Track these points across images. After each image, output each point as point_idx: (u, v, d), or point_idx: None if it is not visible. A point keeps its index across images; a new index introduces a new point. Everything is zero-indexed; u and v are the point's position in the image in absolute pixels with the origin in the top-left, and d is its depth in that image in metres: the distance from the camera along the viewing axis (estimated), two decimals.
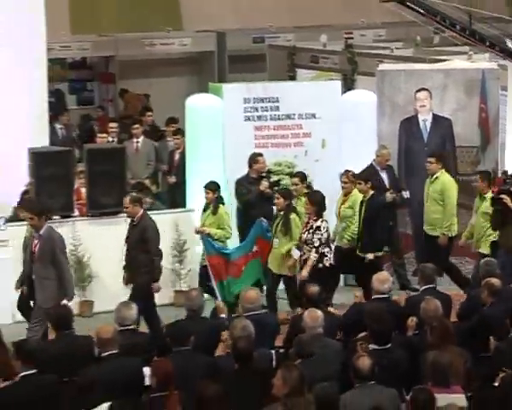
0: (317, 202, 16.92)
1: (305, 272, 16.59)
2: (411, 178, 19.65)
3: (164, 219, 18.39)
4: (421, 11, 23.11)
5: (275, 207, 17.88)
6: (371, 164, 18.89)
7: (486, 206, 17.91)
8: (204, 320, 13.73)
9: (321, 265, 16.73)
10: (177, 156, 20.57)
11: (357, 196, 17.96)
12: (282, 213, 17.30)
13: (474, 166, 19.97)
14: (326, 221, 17.01)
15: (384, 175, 18.97)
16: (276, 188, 18.49)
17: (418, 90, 19.82)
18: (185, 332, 12.26)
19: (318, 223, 16.78)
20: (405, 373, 11.82)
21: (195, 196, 18.66)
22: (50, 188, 18.07)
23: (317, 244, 16.70)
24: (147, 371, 11.80)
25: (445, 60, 21.59)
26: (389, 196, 18.37)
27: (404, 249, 19.63)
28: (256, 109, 19.17)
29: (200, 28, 26.36)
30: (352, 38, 26.20)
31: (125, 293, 16.42)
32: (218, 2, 26.38)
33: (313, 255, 16.63)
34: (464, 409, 10.84)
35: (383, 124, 19.85)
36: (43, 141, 19.50)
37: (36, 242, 15.69)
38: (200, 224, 18.11)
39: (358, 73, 23.63)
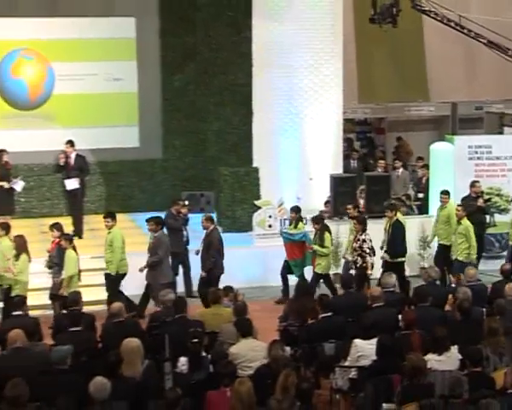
0: (363, 222, 15.91)
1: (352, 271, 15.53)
2: None
3: (414, 221, 18.27)
4: None
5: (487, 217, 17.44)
6: None
7: None
8: (437, 286, 13.45)
9: (364, 265, 15.60)
10: (423, 181, 20.07)
11: None
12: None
13: None
14: (368, 234, 15.71)
15: None
16: (488, 203, 18.11)
17: None
18: (426, 293, 12.06)
19: (364, 236, 15.69)
20: None
21: (434, 208, 18.20)
22: (342, 199, 18.15)
23: (367, 251, 15.62)
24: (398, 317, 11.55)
25: None
26: None
27: None
28: (476, 152, 18.75)
29: (440, 99, 25.85)
30: None
31: None
32: (452, 82, 25.88)
33: (360, 259, 15.63)
34: None
35: None
36: (338, 169, 19.88)
37: None
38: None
39: None
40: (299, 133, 19.73)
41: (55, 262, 14.57)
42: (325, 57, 19.68)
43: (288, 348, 10.84)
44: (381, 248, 16.12)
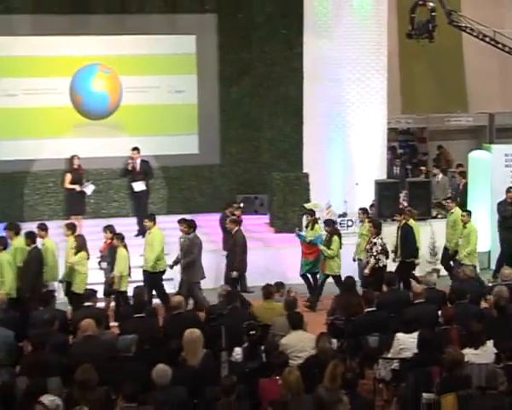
0: (378, 226, 15.58)
1: (366, 271, 15.29)
2: None
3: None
4: None
5: None
6: None
7: None
8: (473, 283, 13.14)
9: (377, 266, 15.25)
10: (461, 187, 20.00)
11: None
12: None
13: None
14: (381, 238, 15.45)
15: None
16: None
17: None
18: (464, 291, 11.94)
19: (376, 239, 15.35)
20: None
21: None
22: (386, 203, 18.23)
23: (374, 253, 15.29)
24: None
25: None
26: None
27: None
28: None
29: (478, 110, 25.53)
30: None
31: None
32: (489, 94, 25.50)
33: (372, 260, 15.27)
34: None
35: None
36: (383, 175, 19.72)
37: None
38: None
39: None
40: (346, 141, 19.58)
41: (107, 261, 14.65)
42: (371, 71, 19.50)
43: (334, 341, 10.81)
44: (392, 251, 15.92)
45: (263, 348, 10.37)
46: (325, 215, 17.63)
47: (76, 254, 14.22)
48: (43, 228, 14.51)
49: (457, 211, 16.82)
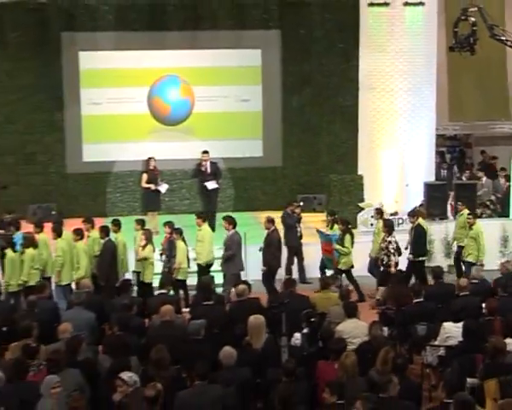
0: (389, 226, 15.18)
1: (392, 269, 14.64)
2: None
3: (495, 223, 17.85)
4: None
5: None
6: None
7: None
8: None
9: (389, 262, 14.72)
10: (504, 189, 19.68)
11: None
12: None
13: None
14: (394, 237, 14.96)
15: None
16: None
17: None
18: (506, 284, 11.81)
19: (390, 238, 14.88)
20: None
21: None
22: (434, 203, 18.02)
23: (392, 251, 14.78)
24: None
25: None
26: None
27: None
28: None
29: None
30: None
31: None
32: None
33: (385, 258, 14.80)
34: None
35: None
36: (431, 177, 19.56)
37: None
38: None
39: None
40: (397, 146, 19.55)
41: (167, 253, 14.68)
42: (421, 82, 19.46)
43: (385, 329, 10.79)
44: (406, 248, 15.46)
45: (319, 334, 10.35)
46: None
47: (144, 247, 14.34)
48: (117, 224, 14.65)
49: (466, 212, 16.30)
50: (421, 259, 15.37)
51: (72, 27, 19.72)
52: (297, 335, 10.31)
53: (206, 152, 18.68)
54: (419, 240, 15.43)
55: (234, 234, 14.88)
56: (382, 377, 8.39)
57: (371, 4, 19.17)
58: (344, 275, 15.46)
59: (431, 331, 11.07)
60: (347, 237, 15.36)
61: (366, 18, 19.33)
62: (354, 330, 10.41)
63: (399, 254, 15.03)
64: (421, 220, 15.71)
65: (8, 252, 13.66)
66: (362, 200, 18.75)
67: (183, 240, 14.65)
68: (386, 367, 8.71)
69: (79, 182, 20.35)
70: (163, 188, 18.55)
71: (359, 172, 19.55)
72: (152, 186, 18.40)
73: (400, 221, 17.79)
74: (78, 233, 14.15)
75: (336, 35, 20.42)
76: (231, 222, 14.89)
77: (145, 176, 18.53)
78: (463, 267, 15.74)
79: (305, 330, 10.39)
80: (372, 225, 17.35)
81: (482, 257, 15.34)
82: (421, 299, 11.74)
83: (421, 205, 18.36)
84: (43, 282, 12.85)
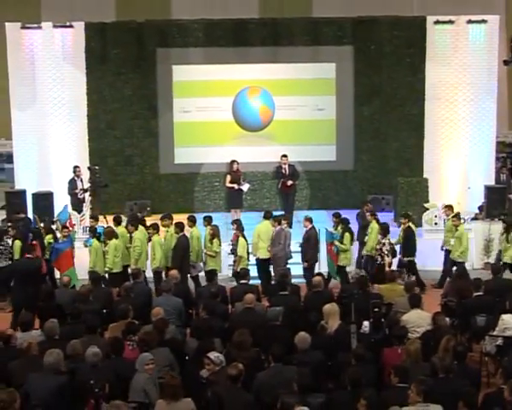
0: (384, 229, 14.76)
1: (387, 268, 14.24)
2: None
3: None
4: None
5: None
6: None
7: None
8: None
9: (382, 262, 14.42)
10: None
11: None
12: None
13: None
14: (389, 239, 14.65)
15: None
16: None
17: None
18: None
19: (384, 240, 14.57)
20: None
21: None
22: (493, 205, 17.48)
23: (385, 252, 14.47)
24: None
25: None
26: None
27: None
28: None
29: None
30: None
31: None
32: None
33: (379, 258, 14.50)
34: None
35: None
36: (491, 181, 19.07)
37: None
38: None
39: None
40: (460, 152, 19.38)
41: (234, 248, 14.68)
42: (482, 93, 19.30)
43: (447, 319, 10.64)
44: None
45: (386, 322, 10.30)
46: (441, 214, 17.12)
47: (211, 241, 14.36)
48: (192, 220, 14.65)
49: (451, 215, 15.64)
50: (410, 259, 14.99)
51: (166, 44, 20.04)
52: (365, 323, 10.27)
53: (285, 156, 18.72)
54: (409, 242, 15.02)
55: (281, 230, 14.90)
56: (445, 363, 8.34)
57: (437, 22, 19.33)
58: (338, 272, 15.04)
59: (490, 322, 10.91)
60: (347, 235, 15.01)
61: (432, 35, 19.41)
62: (418, 319, 10.33)
63: (394, 255, 14.72)
64: (411, 224, 15.30)
65: (94, 241, 14.02)
66: (427, 201, 18.50)
67: (244, 236, 14.63)
68: (448, 354, 8.60)
69: (171, 181, 20.60)
70: (245, 187, 18.62)
71: (425, 176, 19.36)
72: (235, 186, 18.49)
73: (462, 221, 17.43)
74: (155, 228, 14.29)
75: (404, 50, 20.15)
76: (276, 219, 14.97)
77: (229, 177, 18.67)
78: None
79: (372, 319, 10.31)
80: (436, 224, 17.10)
81: (465, 256, 14.96)
82: (481, 293, 11.56)
83: (481, 206, 18.02)
84: (139, 269, 13.02)
